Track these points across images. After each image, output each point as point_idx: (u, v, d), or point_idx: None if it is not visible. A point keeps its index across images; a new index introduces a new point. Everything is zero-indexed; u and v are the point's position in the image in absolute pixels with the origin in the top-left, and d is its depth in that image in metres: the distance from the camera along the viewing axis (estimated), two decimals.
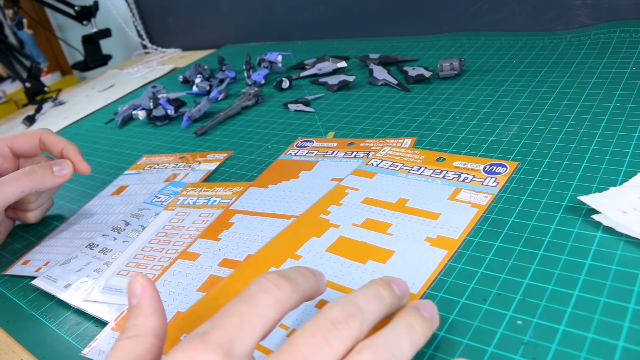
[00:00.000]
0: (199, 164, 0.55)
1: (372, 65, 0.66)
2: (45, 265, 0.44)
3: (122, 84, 0.99)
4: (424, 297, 0.30)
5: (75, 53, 1.40)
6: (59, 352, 0.34)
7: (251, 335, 0.23)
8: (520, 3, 0.66)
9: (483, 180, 0.38)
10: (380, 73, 0.64)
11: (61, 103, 0.99)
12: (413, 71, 0.61)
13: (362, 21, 0.83)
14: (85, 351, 0.33)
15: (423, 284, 0.31)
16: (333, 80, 0.66)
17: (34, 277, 0.42)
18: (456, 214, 0.35)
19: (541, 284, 0.28)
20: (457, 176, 0.40)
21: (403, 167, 0.43)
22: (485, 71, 0.58)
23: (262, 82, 0.74)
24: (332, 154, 0.48)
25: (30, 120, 0.92)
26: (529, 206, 0.35)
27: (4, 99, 1.64)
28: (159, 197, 0.50)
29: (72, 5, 1.03)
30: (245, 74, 0.78)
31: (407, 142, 0.47)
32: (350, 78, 0.65)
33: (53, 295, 0.40)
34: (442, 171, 0.41)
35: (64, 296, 0.39)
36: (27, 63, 1.04)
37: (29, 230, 0.52)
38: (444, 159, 0.42)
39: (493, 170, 0.39)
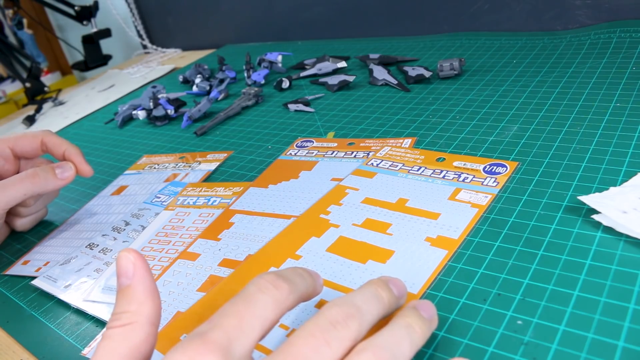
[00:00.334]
0: (199, 164, 0.55)
1: (372, 65, 0.66)
2: (45, 265, 0.44)
3: (122, 84, 0.99)
4: (424, 297, 0.30)
5: (75, 53, 1.40)
6: (59, 352, 0.34)
7: (250, 336, 0.22)
8: (520, 3, 0.66)
9: (483, 180, 0.38)
10: (380, 73, 0.64)
11: (61, 103, 0.99)
12: (413, 71, 0.61)
13: (362, 21, 0.83)
14: (85, 351, 0.33)
15: (423, 284, 0.31)
16: (333, 80, 0.66)
17: (34, 277, 0.42)
18: (456, 214, 0.35)
19: (541, 284, 0.28)
20: (457, 176, 0.40)
21: (403, 167, 0.43)
22: (485, 71, 0.58)
23: (262, 82, 0.74)
24: (332, 154, 0.48)
25: (30, 120, 0.92)
26: (529, 206, 0.35)
27: (4, 99, 1.64)
28: (159, 197, 0.50)
29: (72, 5, 1.03)
30: (245, 74, 0.78)
31: (407, 142, 0.47)
32: (350, 78, 0.65)
33: (53, 295, 0.40)
34: (442, 171, 0.41)
35: (64, 296, 0.39)
36: (27, 63, 1.04)
37: (29, 230, 0.52)
38: (444, 159, 0.42)
39: (493, 170, 0.39)
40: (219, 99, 0.73)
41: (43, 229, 0.51)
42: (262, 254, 0.37)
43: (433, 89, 0.57)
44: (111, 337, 0.23)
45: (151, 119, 0.71)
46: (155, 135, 0.67)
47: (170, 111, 0.70)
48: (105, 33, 1.07)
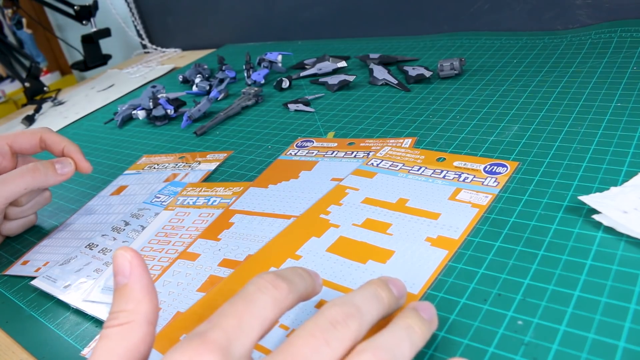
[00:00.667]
0: (199, 164, 0.55)
1: (372, 65, 0.66)
2: (44, 265, 0.44)
3: (121, 84, 0.99)
4: (424, 297, 0.30)
5: (74, 53, 1.40)
6: (59, 353, 0.34)
7: (249, 336, 0.22)
8: (520, 3, 0.66)
9: (483, 180, 0.38)
10: (380, 73, 0.64)
11: (60, 103, 0.99)
12: (413, 71, 0.61)
13: (362, 21, 0.83)
14: (85, 351, 0.33)
15: (423, 284, 0.30)
16: (333, 80, 0.66)
17: (33, 277, 0.42)
18: (456, 214, 0.35)
19: (542, 284, 0.28)
20: (457, 176, 0.39)
21: (403, 167, 0.43)
22: (485, 71, 0.58)
23: (262, 82, 0.74)
24: (332, 154, 0.48)
25: (29, 120, 0.92)
26: (529, 206, 0.35)
27: (4, 99, 1.64)
28: (159, 197, 0.50)
29: (71, 5, 1.02)
30: (245, 74, 0.78)
31: (407, 142, 0.47)
32: (350, 78, 0.65)
33: (52, 296, 0.40)
34: (442, 171, 0.41)
35: (64, 296, 0.39)
36: (27, 63, 1.04)
37: (29, 230, 0.51)
38: (444, 159, 0.42)
39: (493, 170, 0.39)
40: (218, 98, 0.72)
41: (43, 229, 0.51)
42: (262, 254, 0.36)
43: (433, 89, 0.57)
44: (109, 336, 0.23)
45: (151, 119, 0.71)
46: (155, 135, 0.67)
47: (170, 111, 0.70)
48: (105, 33, 1.07)
